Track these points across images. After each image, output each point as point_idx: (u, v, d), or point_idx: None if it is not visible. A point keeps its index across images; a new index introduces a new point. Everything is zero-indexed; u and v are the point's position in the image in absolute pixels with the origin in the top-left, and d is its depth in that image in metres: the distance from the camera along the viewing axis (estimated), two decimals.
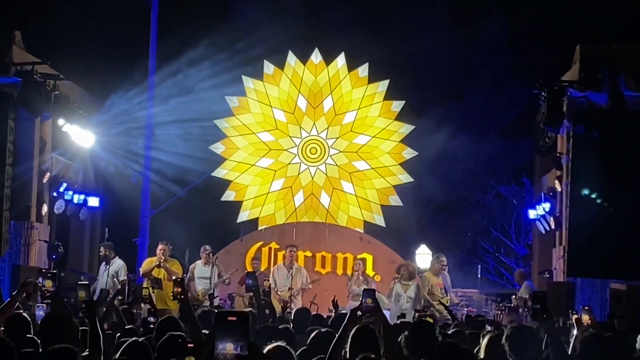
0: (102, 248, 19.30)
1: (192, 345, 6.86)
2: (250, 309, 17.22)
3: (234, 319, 4.34)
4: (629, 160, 18.11)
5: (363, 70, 23.79)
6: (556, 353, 7.21)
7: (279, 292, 18.30)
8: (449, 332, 10.44)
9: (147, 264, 18.75)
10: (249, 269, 20.32)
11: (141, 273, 18.86)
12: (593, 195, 18.07)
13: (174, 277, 17.66)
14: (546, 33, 24.18)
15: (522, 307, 19.51)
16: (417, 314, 13.36)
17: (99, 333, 7.09)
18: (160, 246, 18.54)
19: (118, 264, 18.89)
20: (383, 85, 23.71)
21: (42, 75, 18.97)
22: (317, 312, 16.42)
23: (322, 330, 8.29)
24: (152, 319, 10.16)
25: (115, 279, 18.52)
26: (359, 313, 6.94)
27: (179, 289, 14.65)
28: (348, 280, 19.12)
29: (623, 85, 18.14)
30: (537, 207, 21.46)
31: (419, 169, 23.76)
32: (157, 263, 18.25)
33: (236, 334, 4.37)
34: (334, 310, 15.43)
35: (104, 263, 19.05)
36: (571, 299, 18.63)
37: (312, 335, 8.24)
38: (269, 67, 23.86)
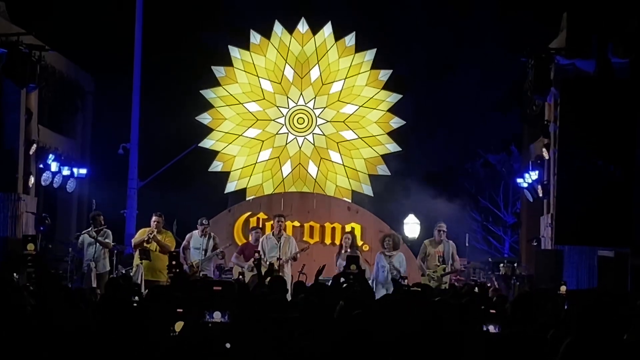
0: (98, 215, 18.96)
1: (180, 310, 6.87)
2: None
3: (219, 288, 4.37)
4: (616, 127, 18.11)
5: (350, 39, 23.66)
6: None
7: (267, 262, 18.30)
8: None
9: (140, 234, 18.75)
10: (239, 241, 20.39)
11: (133, 243, 18.87)
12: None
13: (170, 251, 17.82)
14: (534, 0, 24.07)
15: (510, 275, 19.63)
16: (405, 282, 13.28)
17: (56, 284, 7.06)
18: (154, 217, 18.55)
19: (109, 233, 18.85)
20: (370, 55, 23.59)
21: (28, 46, 18.87)
22: (306, 281, 16.46)
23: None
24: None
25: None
26: (342, 279, 6.96)
27: (174, 262, 14.76)
28: (337, 254, 18.92)
29: (611, 52, 18.12)
30: (525, 175, 21.48)
31: (407, 138, 23.73)
32: (146, 237, 18.23)
33: (222, 304, 4.38)
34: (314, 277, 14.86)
35: (92, 229, 18.78)
36: (559, 267, 18.69)
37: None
38: (255, 37, 23.73)
